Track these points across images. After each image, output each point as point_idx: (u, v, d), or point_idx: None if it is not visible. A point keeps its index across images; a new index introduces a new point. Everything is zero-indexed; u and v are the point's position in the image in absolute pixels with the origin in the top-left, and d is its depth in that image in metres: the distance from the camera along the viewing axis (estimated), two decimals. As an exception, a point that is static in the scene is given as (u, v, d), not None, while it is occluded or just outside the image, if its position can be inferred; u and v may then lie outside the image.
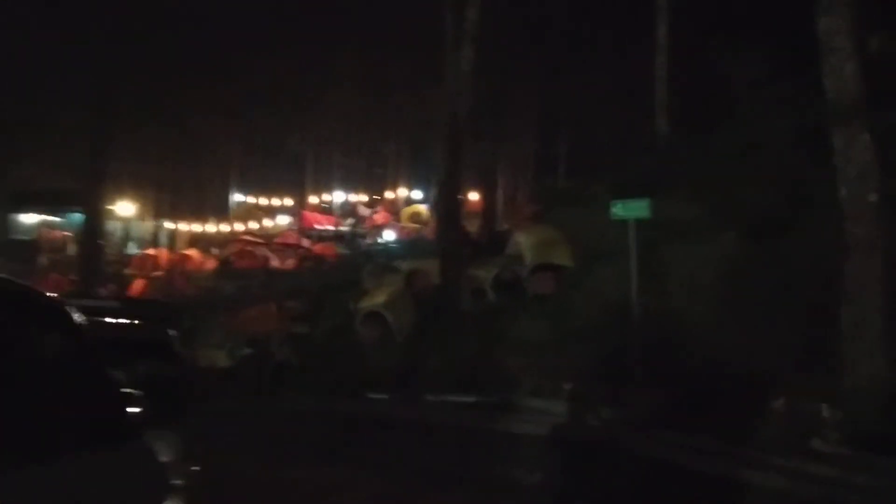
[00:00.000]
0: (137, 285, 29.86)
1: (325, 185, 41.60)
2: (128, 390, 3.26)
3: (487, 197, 21.48)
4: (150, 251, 35.22)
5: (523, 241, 13.72)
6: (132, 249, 38.88)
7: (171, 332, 5.94)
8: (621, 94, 16.62)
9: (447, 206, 14.29)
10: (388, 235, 34.08)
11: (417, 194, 40.23)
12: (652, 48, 15.54)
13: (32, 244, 38.84)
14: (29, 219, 41.37)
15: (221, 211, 41.01)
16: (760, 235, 9.73)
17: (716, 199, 11.18)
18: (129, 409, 3.18)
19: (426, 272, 15.53)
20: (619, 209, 9.00)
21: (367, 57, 30.19)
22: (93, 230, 28.42)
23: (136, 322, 5.74)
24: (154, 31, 25.07)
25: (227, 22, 27.61)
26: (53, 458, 2.39)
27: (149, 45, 25.38)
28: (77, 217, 34.27)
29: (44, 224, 40.55)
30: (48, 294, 3.22)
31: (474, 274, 14.40)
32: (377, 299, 14.40)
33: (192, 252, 35.03)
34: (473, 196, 28.35)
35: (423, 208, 37.51)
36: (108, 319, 5.68)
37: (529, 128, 20.43)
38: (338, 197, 40.56)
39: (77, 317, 3.02)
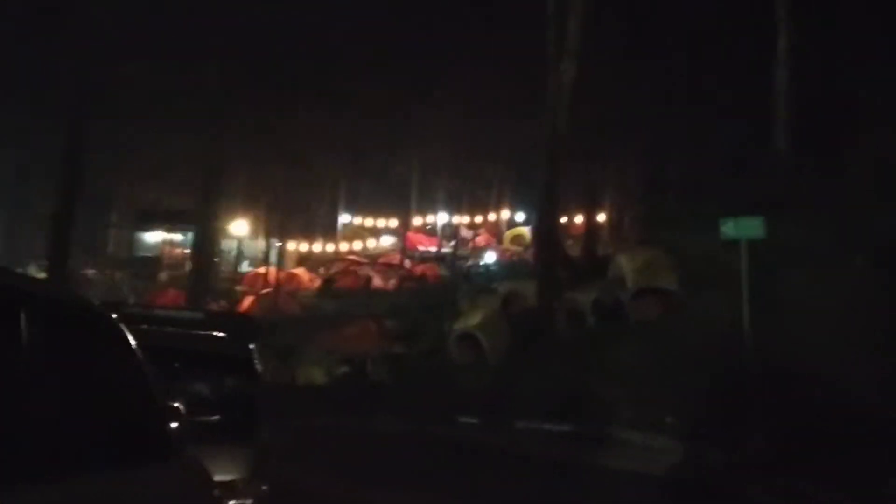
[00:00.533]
0: (247, 302, 30.75)
1: (429, 207, 41.81)
2: (173, 404, 3.06)
3: (590, 219, 20.80)
4: (261, 269, 36.33)
5: (626, 264, 13.07)
6: (245, 267, 40.34)
7: (251, 347, 5.78)
8: (737, 110, 15.67)
9: (545, 225, 13.84)
10: (490, 258, 33.76)
11: (520, 217, 39.76)
12: (770, 62, 14.58)
13: (155, 261, 40.99)
14: (153, 237, 43.69)
15: (330, 231, 41.96)
16: (893, 263, 8.76)
17: (841, 222, 10.22)
18: (171, 424, 2.99)
19: (523, 294, 15.10)
20: (730, 228, 8.28)
21: (472, 79, 30.19)
22: (206, 248, 29.70)
23: (216, 335, 5.62)
24: (266, 57, 26.00)
25: (337, 48, 28.32)
26: (81, 471, 2.25)
27: (261, 71, 26.36)
28: (199, 236, 36.04)
29: (166, 242, 42.71)
30: (95, 302, 3.11)
31: (573, 297, 13.85)
32: (471, 321, 14.08)
33: (300, 271, 35.89)
34: (577, 219, 27.66)
35: (525, 231, 36.97)
36: (186, 331, 5.59)
37: (636, 147, 19.65)
38: (441, 219, 40.65)
39: (123, 328, 2.87)
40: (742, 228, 8.16)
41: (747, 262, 8.17)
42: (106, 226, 41.30)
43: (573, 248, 22.84)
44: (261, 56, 26.45)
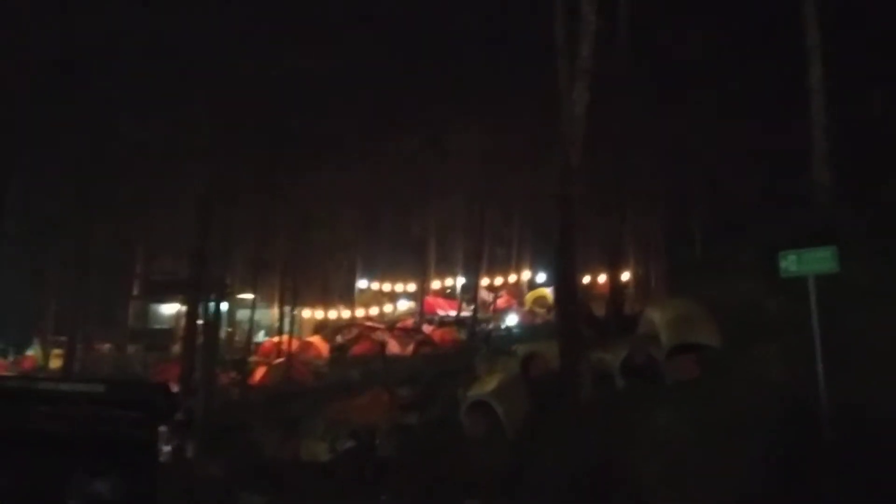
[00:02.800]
0: (259, 373, 29.58)
1: (447, 270, 40.71)
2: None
3: (613, 274, 19.39)
4: (276, 338, 35.23)
5: (658, 318, 11.60)
6: (260, 337, 39.35)
7: (161, 429, 4.49)
8: (767, 145, 14.43)
9: (563, 277, 12.45)
10: (511, 320, 32.34)
11: (542, 278, 38.52)
12: (802, 94, 13.38)
13: (168, 333, 40.07)
14: (169, 308, 42.91)
15: (346, 297, 40.95)
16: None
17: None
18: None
19: (544, 356, 13.61)
20: (792, 263, 6.78)
21: (487, 138, 29.38)
22: (215, 318, 28.76)
23: (117, 414, 4.35)
24: (277, 117, 25.40)
25: (348, 107, 27.72)
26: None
27: (272, 132, 25.72)
28: (211, 306, 35.19)
29: (181, 313, 41.86)
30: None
31: (599, 357, 12.35)
32: (486, 387, 12.58)
33: (315, 339, 34.81)
34: (600, 279, 26.26)
35: (547, 291, 35.65)
36: (78, 410, 4.31)
37: (658, 192, 18.40)
38: (460, 281, 39.46)
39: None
40: (808, 262, 6.64)
41: (816, 304, 6.64)
42: (123, 297, 40.67)
43: (597, 308, 21.44)
44: (271, 116, 25.92)
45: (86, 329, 38.05)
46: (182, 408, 6.33)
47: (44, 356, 36.70)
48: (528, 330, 28.16)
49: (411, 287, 39.91)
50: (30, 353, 37.92)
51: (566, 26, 11.91)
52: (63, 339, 35.88)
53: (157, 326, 42.46)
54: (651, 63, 15.93)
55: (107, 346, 38.54)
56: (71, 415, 4.25)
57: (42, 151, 25.65)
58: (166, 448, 4.37)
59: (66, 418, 4.17)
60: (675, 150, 16.40)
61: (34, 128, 23.03)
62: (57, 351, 35.67)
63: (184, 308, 41.54)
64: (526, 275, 39.01)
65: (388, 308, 39.39)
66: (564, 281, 12.60)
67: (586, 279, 24.18)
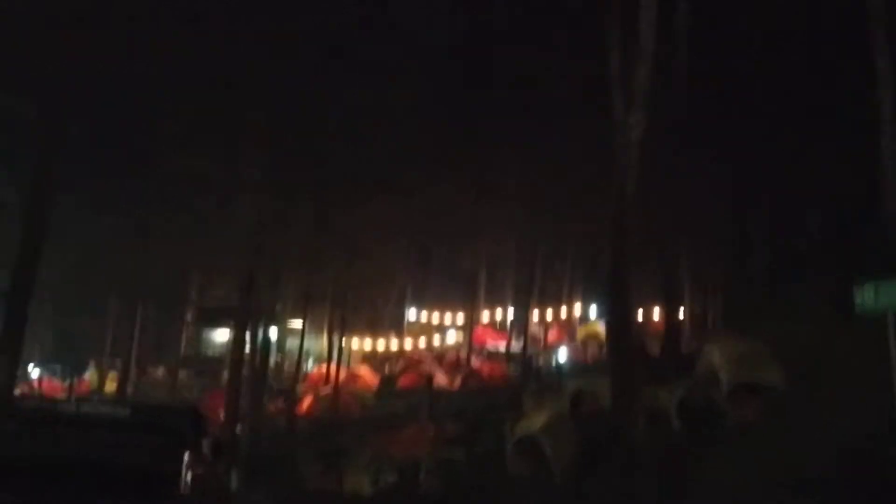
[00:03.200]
0: (306, 402, 29.57)
1: (497, 301, 40.26)
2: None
3: (669, 311, 18.73)
4: (324, 368, 35.28)
5: (717, 356, 10.98)
6: (309, 365, 39.49)
7: (185, 458, 4.21)
8: (833, 175, 13.73)
9: (617, 310, 11.93)
10: (562, 355, 31.64)
11: (594, 312, 37.77)
12: (869, 122, 12.71)
13: (219, 360, 40.51)
14: (220, 335, 43.45)
15: (395, 327, 40.82)
16: None
17: None
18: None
19: (594, 393, 13.05)
20: (870, 297, 6.07)
21: (538, 168, 29.04)
22: (263, 346, 28.96)
23: (140, 441, 4.11)
24: (327, 148, 25.57)
25: (399, 137, 27.77)
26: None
27: (322, 163, 25.88)
28: (263, 334, 35.52)
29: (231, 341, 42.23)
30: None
31: (654, 396, 11.74)
32: (534, 423, 12.07)
33: (363, 369, 34.76)
34: (654, 316, 25.52)
35: (599, 327, 34.87)
36: (101, 436, 4.09)
37: (717, 227, 17.75)
38: (510, 313, 38.94)
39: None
40: (888, 295, 5.93)
41: (896, 343, 6.00)
42: (177, 324, 41.30)
43: (652, 345, 20.72)
44: (324, 148, 26.13)
45: (140, 354, 38.84)
46: (211, 434, 5.93)
47: (99, 380, 37.42)
48: (579, 366, 27.55)
49: (461, 319, 39.52)
50: (86, 376, 38.72)
51: (621, 50, 11.59)
52: (118, 363, 36.57)
53: (210, 353, 43.05)
54: (709, 90, 15.43)
55: (160, 371, 39.14)
56: (91, 440, 4.04)
57: (99, 179, 26.32)
58: (190, 476, 4.06)
59: (86, 443, 3.96)
60: (734, 181, 15.77)
61: (90, 155, 23.67)
62: (113, 375, 36.39)
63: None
64: (577, 309, 38.37)
65: (437, 339, 39.06)
66: (618, 315, 12.09)
67: (640, 315, 23.50)
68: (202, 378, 38.58)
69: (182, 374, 38.19)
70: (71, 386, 36.44)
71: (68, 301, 38.95)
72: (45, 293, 39.04)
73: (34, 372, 40.75)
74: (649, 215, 13.39)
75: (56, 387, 37.17)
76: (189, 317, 41.70)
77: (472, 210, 33.44)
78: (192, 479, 4.24)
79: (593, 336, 34.34)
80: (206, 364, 40.94)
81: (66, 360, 39.49)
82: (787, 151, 15.41)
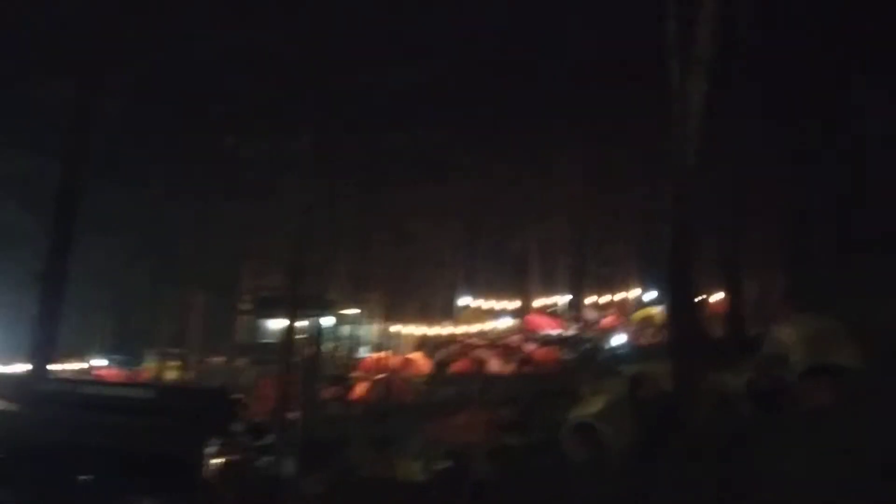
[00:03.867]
0: (360, 388, 29.54)
1: (551, 287, 39.63)
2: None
3: (732, 291, 17.88)
4: (377, 354, 35.26)
5: (788, 336, 10.28)
6: (362, 353, 39.60)
7: (209, 447, 3.87)
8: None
9: (677, 289, 11.29)
10: (618, 340, 30.84)
11: (651, 296, 36.86)
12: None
13: (274, 347, 40.86)
14: (275, 323, 43.88)
15: (447, 313, 40.59)
16: None
17: None
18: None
19: (654, 378, 12.42)
20: None
21: (591, 147, 28.27)
22: (316, 333, 29.10)
23: (160, 426, 3.80)
24: (376, 130, 25.32)
25: (446, 121, 27.33)
26: None
27: (370, 145, 25.66)
28: (316, 321, 35.73)
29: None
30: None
31: (718, 380, 11.10)
32: (590, 408, 11.56)
33: (416, 355, 34.58)
34: (716, 296, 24.49)
35: (656, 311, 33.95)
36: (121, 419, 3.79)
37: (782, 202, 16.84)
38: (564, 299, 38.26)
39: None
40: None
41: None
42: (233, 312, 41.85)
43: (714, 327, 19.89)
44: (374, 130, 25.90)
45: (199, 342, 39.47)
46: (251, 419, 5.56)
47: (159, 368, 38.18)
48: (636, 350, 26.78)
49: (513, 304, 39.05)
50: (145, 365, 39.52)
51: (679, 14, 10.89)
52: (177, 352, 37.27)
53: (265, 341, 43.49)
54: (771, 61, 14.54)
55: (218, 360, 39.70)
56: (112, 423, 3.76)
57: (156, 166, 26.64)
58: (218, 461, 3.76)
59: (100, 427, 3.68)
60: (800, 151, 14.87)
61: (143, 143, 23.97)
62: (172, 363, 37.07)
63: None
64: (634, 293, 37.50)
65: (489, 325, 38.67)
66: (678, 295, 11.46)
67: (702, 296, 22.63)
68: (258, 366, 39.00)
69: (240, 362, 38.59)
70: (130, 375, 37.23)
71: (129, 290, 39.90)
72: (105, 283, 40.21)
73: (96, 361, 41.87)
74: (710, 190, 12.71)
75: (118, 376, 38.01)
76: (244, 305, 42.20)
77: (524, 192, 32.85)
78: (225, 464, 3.94)
79: (650, 320, 33.48)
80: (261, 351, 41.43)
81: (127, 349, 40.41)
82: (856, 119, 14.43)
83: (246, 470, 4.89)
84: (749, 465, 8.77)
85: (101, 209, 31.87)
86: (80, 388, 5.07)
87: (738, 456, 9.04)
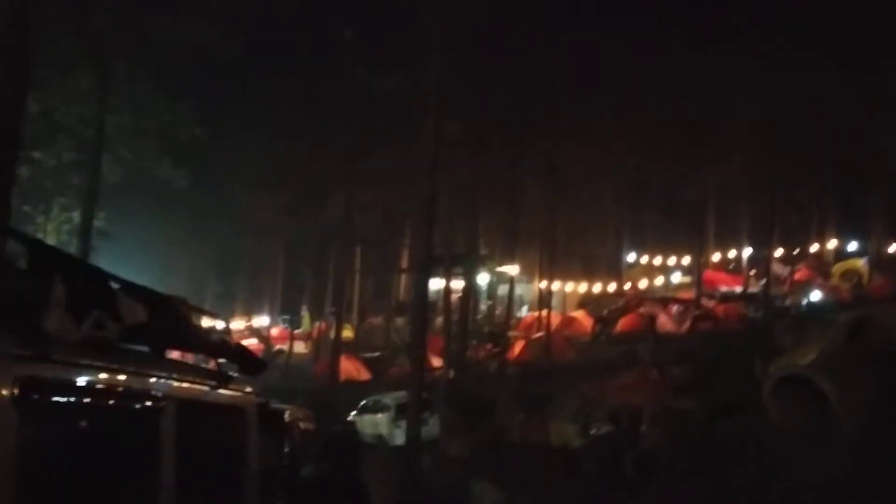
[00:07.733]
0: (517, 348, 27.82)
1: (729, 240, 35.54)
2: None
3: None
4: (537, 313, 33.19)
5: None
6: (522, 311, 37.96)
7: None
8: None
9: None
10: (814, 296, 26.84)
11: (851, 246, 32.14)
12: None
13: (430, 306, 39.98)
14: (434, 283, 43.06)
15: (613, 270, 37.70)
16: None
17: None
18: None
19: (882, 323, 9.40)
20: None
21: (772, 75, 24.09)
22: (469, 291, 27.77)
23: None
24: (532, 82, 23.09)
25: (610, 60, 24.48)
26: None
27: (527, 98, 23.53)
28: (480, 280, 34.38)
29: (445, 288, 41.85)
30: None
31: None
32: (802, 358, 8.79)
33: (579, 314, 32.30)
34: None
35: (860, 262, 29.42)
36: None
37: None
38: (745, 252, 34.11)
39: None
40: None
41: None
42: (393, 271, 41.48)
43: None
44: (530, 81, 23.83)
45: (361, 302, 39.45)
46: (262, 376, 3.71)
47: (313, 326, 38.75)
48: (834, 307, 22.93)
49: (686, 260, 35.33)
50: (316, 324, 40.05)
51: None
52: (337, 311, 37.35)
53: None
54: None
55: (378, 319, 39.48)
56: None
57: (304, 122, 26.07)
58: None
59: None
60: None
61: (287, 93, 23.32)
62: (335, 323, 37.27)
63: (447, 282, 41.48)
64: (831, 244, 32.91)
65: (659, 282, 35.38)
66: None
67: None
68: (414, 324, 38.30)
69: (399, 322, 38.12)
70: (292, 334, 37.90)
71: (294, 252, 40.60)
72: (273, 246, 41.06)
73: (262, 321, 43.19)
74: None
75: (284, 335, 38.79)
76: (403, 264, 41.66)
77: (696, 133, 29.02)
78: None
79: (852, 273, 29.12)
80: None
81: (292, 309, 41.24)
82: None
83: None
84: None
85: (260, 166, 32.28)
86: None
87: None
